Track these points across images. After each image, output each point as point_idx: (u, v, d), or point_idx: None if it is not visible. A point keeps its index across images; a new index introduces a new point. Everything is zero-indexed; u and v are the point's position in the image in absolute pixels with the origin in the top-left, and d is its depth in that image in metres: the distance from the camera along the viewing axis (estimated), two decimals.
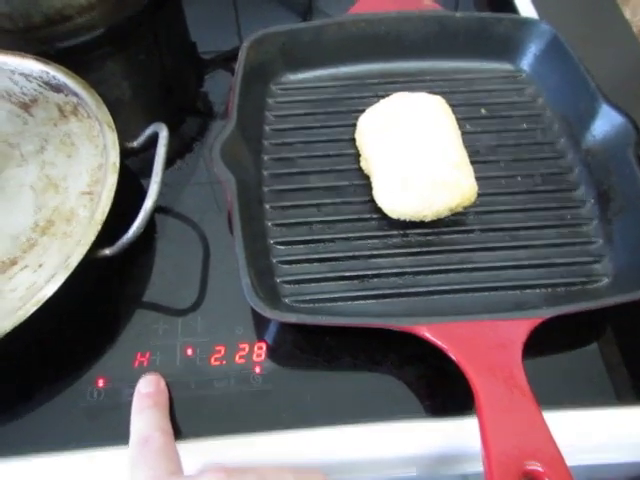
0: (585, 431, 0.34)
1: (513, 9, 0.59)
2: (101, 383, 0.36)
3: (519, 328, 0.32)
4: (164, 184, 0.47)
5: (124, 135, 0.42)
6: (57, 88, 0.46)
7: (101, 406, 0.35)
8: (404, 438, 0.33)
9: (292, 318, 0.33)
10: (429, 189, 0.39)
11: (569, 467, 0.27)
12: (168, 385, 0.35)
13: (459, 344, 0.31)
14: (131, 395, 0.35)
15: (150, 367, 0.36)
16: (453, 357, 0.31)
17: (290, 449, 0.33)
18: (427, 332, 0.32)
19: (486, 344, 0.31)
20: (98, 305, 0.40)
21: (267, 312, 0.33)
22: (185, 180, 0.48)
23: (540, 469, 0.27)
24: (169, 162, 0.52)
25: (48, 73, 0.46)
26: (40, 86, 0.46)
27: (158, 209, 0.47)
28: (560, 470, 0.27)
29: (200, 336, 0.38)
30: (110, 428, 0.34)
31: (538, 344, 0.34)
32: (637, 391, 0.36)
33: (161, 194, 0.46)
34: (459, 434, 0.33)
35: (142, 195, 0.38)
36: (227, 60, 0.57)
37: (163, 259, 0.43)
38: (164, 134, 0.38)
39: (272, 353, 0.37)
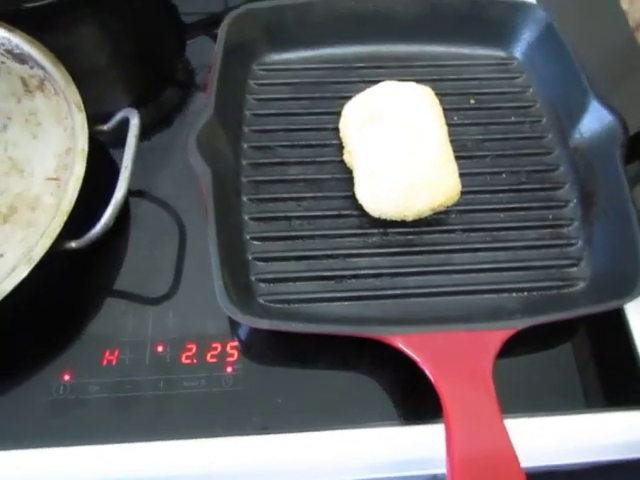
0: (553, 435, 0.35)
1: None
2: (67, 377, 0.35)
3: (493, 339, 0.32)
4: (139, 164, 0.45)
5: (96, 108, 0.39)
6: (21, 59, 0.42)
7: (66, 402, 0.34)
8: (374, 444, 0.33)
9: (265, 324, 0.32)
10: (411, 189, 0.38)
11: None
12: (135, 384, 0.34)
13: (431, 356, 0.31)
14: (99, 392, 0.34)
15: (119, 365, 0.35)
16: (425, 369, 0.30)
17: (259, 454, 0.33)
18: (400, 343, 0.31)
19: (459, 355, 0.31)
20: (66, 296, 0.38)
21: (239, 317, 0.32)
22: (162, 159, 0.46)
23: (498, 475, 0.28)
24: (145, 137, 0.49)
25: (10, 41, 0.42)
26: (2, 55, 0.43)
27: (132, 193, 0.45)
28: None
29: (171, 332, 0.37)
30: (73, 425, 0.33)
31: (510, 345, 0.34)
32: (607, 396, 0.37)
33: (136, 175, 0.45)
34: (430, 440, 0.33)
35: (116, 177, 0.36)
36: (211, 25, 0.53)
37: (136, 247, 0.41)
38: (135, 122, 0.36)
39: (245, 353, 0.36)
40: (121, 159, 0.44)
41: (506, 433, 0.29)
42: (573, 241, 0.41)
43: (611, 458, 0.34)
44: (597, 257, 0.40)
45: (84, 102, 0.40)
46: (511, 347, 0.34)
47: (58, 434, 0.33)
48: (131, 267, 0.40)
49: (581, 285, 0.40)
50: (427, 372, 0.30)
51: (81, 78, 0.50)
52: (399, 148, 0.40)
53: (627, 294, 0.36)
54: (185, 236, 0.42)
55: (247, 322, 0.32)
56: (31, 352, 0.36)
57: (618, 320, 0.39)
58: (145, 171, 0.45)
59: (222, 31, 0.45)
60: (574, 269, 0.40)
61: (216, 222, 0.35)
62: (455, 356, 0.31)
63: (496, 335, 0.32)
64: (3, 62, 0.42)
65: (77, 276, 0.39)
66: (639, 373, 0.37)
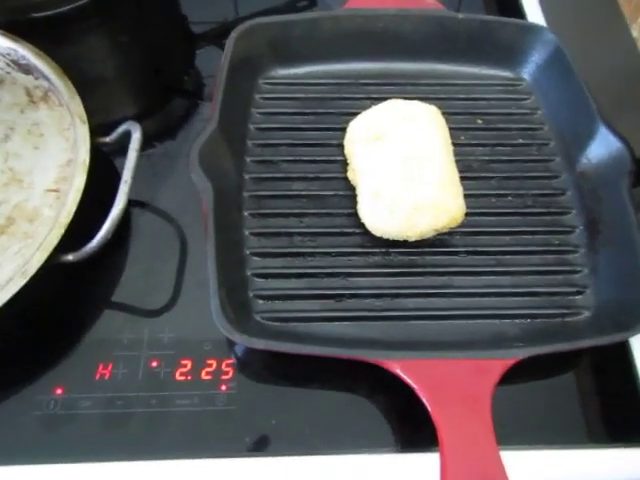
0: (551, 470, 0.34)
1: (521, 13, 0.56)
2: (59, 392, 0.35)
3: (493, 369, 0.31)
4: (144, 174, 0.45)
5: (104, 117, 0.39)
6: (26, 69, 0.42)
7: (57, 417, 0.34)
8: (367, 471, 0.32)
9: (260, 344, 0.32)
10: (414, 210, 0.38)
11: None
12: (127, 401, 0.34)
13: (429, 384, 0.30)
14: (90, 407, 0.34)
15: (112, 380, 0.35)
16: (422, 397, 0.30)
17: (249, 477, 0.32)
18: (398, 369, 0.31)
19: (457, 384, 0.30)
20: (62, 308, 0.38)
21: (235, 336, 0.31)
22: (168, 170, 0.46)
23: None
24: (151, 147, 0.49)
25: (16, 51, 0.42)
26: (7, 65, 0.43)
27: (134, 203, 0.45)
28: None
29: (167, 348, 0.37)
30: (62, 441, 0.33)
31: (510, 372, 0.33)
32: (609, 431, 0.36)
33: (140, 186, 0.45)
34: (425, 469, 0.32)
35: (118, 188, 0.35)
36: (221, 35, 0.53)
37: (135, 261, 0.41)
38: (137, 135, 0.36)
39: (240, 372, 0.36)
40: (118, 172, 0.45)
41: (502, 466, 0.28)
42: (578, 268, 0.41)
43: None
44: (602, 286, 0.39)
45: (89, 113, 0.40)
46: (512, 375, 0.33)
47: (46, 450, 0.33)
48: (130, 280, 0.40)
49: (585, 314, 0.39)
50: (424, 400, 0.29)
51: (89, 87, 0.50)
52: (403, 168, 0.39)
53: (631, 327, 0.35)
54: (186, 250, 0.42)
55: (242, 341, 0.32)
56: (24, 364, 0.36)
57: (623, 352, 0.38)
58: (150, 182, 0.44)
59: (229, 45, 0.45)
60: (579, 297, 0.39)
61: (215, 239, 0.35)
62: (453, 385, 0.30)
63: (496, 364, 0.31)
64: (8, 72, 0.42)
65: (74, 288, 0.39)
66: None
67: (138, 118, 0.51)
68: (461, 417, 0.29)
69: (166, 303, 0.39)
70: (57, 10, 0.52)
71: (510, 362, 0.32)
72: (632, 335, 0.35)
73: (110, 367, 0.35)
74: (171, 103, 0.54)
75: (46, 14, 0.52)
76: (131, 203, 0.44)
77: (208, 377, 0.35)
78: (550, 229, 0.42)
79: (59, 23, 0.53)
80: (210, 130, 0.39)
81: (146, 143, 0.49)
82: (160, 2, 0.59)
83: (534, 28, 0.50)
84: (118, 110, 0.52)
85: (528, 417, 0.36)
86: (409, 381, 0.30)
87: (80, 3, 0.53)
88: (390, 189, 0.39)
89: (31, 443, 0.33)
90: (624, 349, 0.38)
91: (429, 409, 0.29)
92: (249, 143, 0.44)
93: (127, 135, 0.38)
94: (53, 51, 0.51)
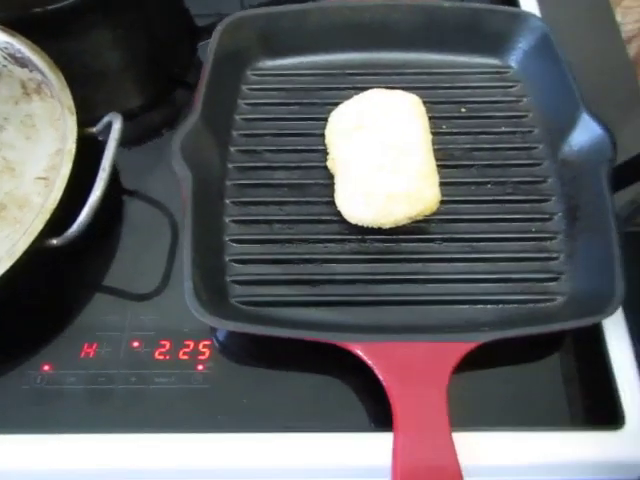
0: (510, 452, 0.34)
1: (515, 3, 0.56)
2: (47, 368, 0.37)
3: (451, 352, 0.32)
4: (143, 164, 0.47)
5: (107, 109, 0.40)
6: (22, 62, 0.44)
7: (44, 391, 0.36)
8: (331, 450, 0.34)
9: (229, 326, 0.33)
10: (388, 199, 0.38)
11: None
12: (109, 377, 0.36)
13: (387, 365, 0.31)
14: (74, 383, 0.36)
15: (95, 358, 0.37)
16: (380, 377, 0.31)
17: (222, 452, 0.33)
18: (359, 350, 0.32)
19: (415, 366, 0.31)
20: (52, 290, 0.40)
21: (206, 317, 0.33)
22: (162, 161, 0.47)
23: None
24: (148, 138, 0.51)
25: (13, 45, 0.44)
26: (5, 59, 0.45)
27: (127, 192, 0.47)
28: None
29: (148, 329, 0.38)
30: (48, 414, 0.35)
31: (485, 356, 0.34)
32: (574, 415, 0.36)
33: (134, 175, 0.47)
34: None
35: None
36: None
37: (126, 246, 0.43)
38: (117, 126, 0.37)
39: (216, 352, 0.37)
40: (117, 161, 0.46)
41: (453, 448, 0.29)
42: (555, 255, 0.41)
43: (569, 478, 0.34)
44: (578, 273, 0.40)
45: (91, 105, 0.41)
46: (484, 359, 0.34)
47: (33, 422, 0.35)
48: (119, 266, 0.42)
49: (559, 300, 0.39)
50: (382, 381, 0.30)
51: (92, 80, 0.53)
52: (380, 157, 0.40)
53: (601, 312, 0.35)
54: (177, 238, 0.43)
55: (212, 323, 0.33)
56: (15, 342, 0.38)
57: (597, 339, 0.39)
58: (140, 175, 0.46)
59: (214, 37, 0.46)
60: (553, 284, 0.40)
61: (193, 226, 0.37)
62: (411, 367, 0.31)
63: (455, 347, 0.32)
64: (5, 66, 0.44)
65: (66, 271, 0.41)
66: (612, 392, 0.36)
67: (141, 110, 0.53)
68: (416, 399, 0.30)
69: (151, 288, 0.41)
70: (60, 4, 0.54)
71: (470, 346, 0.32)
72: (598, 320, 0.35)
73: (95, 346, 0.37)
74: (174, 94, 0.55)
75: (49, 8, 0.53)
76: (128, 192, 0.47)
77: (185, 357, 0.37)
78: (528, 216, 0.43)
79: (62, 17, 0.54)
80: (192, 121, 0.41)
81: (149, 134, 0.51)
82: None
83: (522, 15, 0.50)
84: (121, 102, 0.54)
85: (498, 400, 0.37)
86: (369, 362, 0.31)
87: None
88: (366, 178, 0.39)
89: (19, 414, 0.35)
90: (598, 336, 0.39)
91: (385, 388, 0.30)
92: (234, 133, 0.45)
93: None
94: (56, 45, 0.53)
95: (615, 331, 0.38)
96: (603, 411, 0.36)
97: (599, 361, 0.38)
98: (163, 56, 0.57)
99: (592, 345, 0.39)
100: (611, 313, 0.35)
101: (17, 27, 0.46)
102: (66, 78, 0.43)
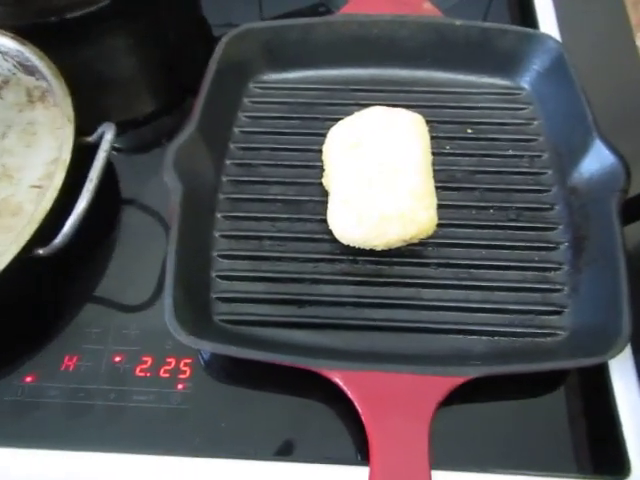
0: None
1: (534, 23, 0.54)
2: (29, 380, 0.36)
3: (437, 387, 0.30)
4: (142, 172, 0.47)
5: (122, 115, 0.40)
6: (30, 70, 0.45)
7: (23, 404, 0.35)
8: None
9: (206, 346, 0.32)
10: (382, 220, 0.37)
11: None
12: (88, 393, 0.35)
13: (367, 397, 0.29)
14: (55, 397, 0.35)
15: (75, 372, 0.36)
16: (359, 409, 0.29)
17: (196, 478, 0.32)
18: (338, 379, 0.30)
19: (397, 400, 0.30)
20: (40, 300, 0.40)
21: (183, 338, 0.32)
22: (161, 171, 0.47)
23: None
24: (152, 147, 0.51)
25: (23, 54, 0.45)
26: (15, 67, 0.45)
27: (127, 202, 0.47)
28: None
29: (131, 344, 0.38)
30: (25, 428, 0.34)
31: (477, 390, 0.32)
32: (579, 460, 0.34)
33: (134, 184, 0.46)
34: None
35: (105, 188, 0.37)
36: None
37: (120, 256, 0.42)
38: (108, 137, 0.37)
39: (197, 371, 0.36)
40: (115, 171, 0.46)
41: None
42: (558, 287, 0.39)
43: None
44: (582, 308, 0.38)
45: (107, 112, 0.40)
46: (480, 391, 0.33)
47: (10, 435, 0.34)
48: (110, 276, 0.41)
49: (560, 336, 0.37)
50: (360, 413, 0.29)
51: (107, 87, 0.53)
52: (375, 176, 0.39)
53: (605, 352, 0.33)
54: None
55: (189, 342, 0.32)
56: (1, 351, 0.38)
57: (602, 379, 0.36)
58: (140, 184, 0.46)
59: (218, 49, 0.45)
60: (555, 317, 0.38)
61: (179, 238, 0.36)
62: (393, 399, 0.30)
63: (442, 382, 0.30)
64: (14, 73, 0.45)
65: (53, 281, 0.41)
66: (618, 438, 0.34)
67: (152, 118, 0.53)
68: (395, 434, 0.28)
69: (139, 300, 0.40)
70: (77, 13, 0.55)
71: (458, 380, 0.31)
72: (600, 361, 0.33)
73: (75, 359, 0.37)
74: (187, 102, 0.55)
75: (68, 17, 0.54)
76: (126, 201, 0.46)
77: (166, 375, 0.36)
78: (532, 244, 0.41)
79: (78, 26, 0.55)
80: (188, 132, 0.40)
81: (153, 142, 0.51)
82: (178, 5, 0.61)
83: (537, 36, 0.48)
84: (135, 109, 0.54)
85: (488, 439, 0.35)
86: (348, 392, 0.30)
87: (101, 5, 0.55)
88: (359, 197, 0.38)
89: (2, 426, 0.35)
90: (603, 376, 0.36)
91: (364, 422, 0.29)
92: (231, 146, 0.45)
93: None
94: (72, 53, 0.54)
95: (621, 371, 0.36)
96: (607, 458, 0.34)
97: (603, 401, 0.36)
98: (177, 65, 0.57)
99: (596, 383, 0.36)
100: (616, 354, 0.33)
101: (33, 35, 0.47)
102: (78, 86, 0.43)
